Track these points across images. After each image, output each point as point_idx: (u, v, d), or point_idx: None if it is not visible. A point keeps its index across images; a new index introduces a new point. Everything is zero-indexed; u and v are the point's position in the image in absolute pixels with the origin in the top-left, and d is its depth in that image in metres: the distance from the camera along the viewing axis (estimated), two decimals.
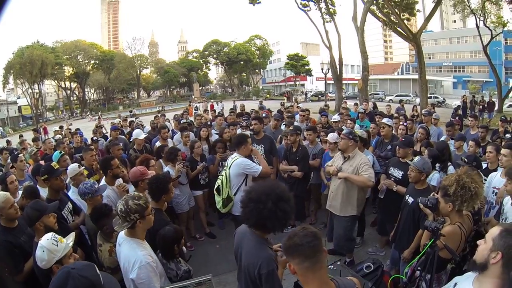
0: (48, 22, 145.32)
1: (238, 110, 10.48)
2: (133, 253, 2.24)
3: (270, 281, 1.98)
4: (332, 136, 4.89)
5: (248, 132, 5.41)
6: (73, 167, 3.93)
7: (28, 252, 2.61)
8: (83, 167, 4.14)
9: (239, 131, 6.28)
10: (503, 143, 4.92)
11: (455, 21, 55.75)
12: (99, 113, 35.23)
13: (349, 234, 4.12)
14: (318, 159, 5.22)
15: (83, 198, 3.24)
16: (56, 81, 50.88)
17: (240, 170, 3.70)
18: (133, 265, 2.18)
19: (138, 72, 58.51)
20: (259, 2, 24.66)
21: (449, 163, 4.14)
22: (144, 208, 2.30)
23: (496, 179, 3.55)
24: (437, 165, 4.09)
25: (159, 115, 10.64)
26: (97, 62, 54.41)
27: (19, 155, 5.07)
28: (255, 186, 2.17)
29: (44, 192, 3.62)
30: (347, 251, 4.22)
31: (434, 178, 3.92)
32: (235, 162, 3.72)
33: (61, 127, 13.86)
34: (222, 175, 3.80)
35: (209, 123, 7.41)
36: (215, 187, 3.85)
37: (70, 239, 2.24)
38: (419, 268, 2.48)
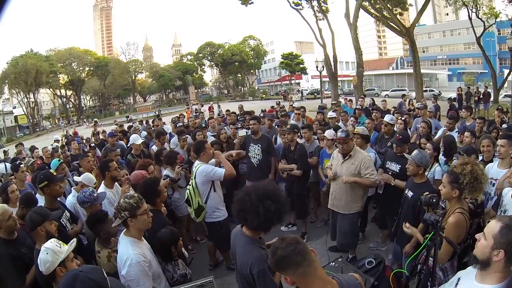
0: (41, 31, 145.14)
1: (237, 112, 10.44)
2: (125, 251, 2.31)
3: (262, 280, 1.96)
4: (329, 133, 4.87)
5: (244, 131, 5.42)
6: (89, 177, 3.81)
7: (29, 264, 2.59)
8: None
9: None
10: (500, 133, 4.91)
11: (447, 14, 55.99)
12: (95, 119, 35.01)
13: (354, 229, 4.16)
14: (315, 157, 5.20)
15: (82, 206, 3.25)
16: (51, 89, 50.56)
17: (204, 177, 3.73)
18: (125, 263, 2.25)
19: (133, 77, 58.32)
20: (252, 3, 24.61)
21: (454, 157, 4.12)
22: (135, 207, 2.34)
23: (493, 170, 3.51)
24: (443, 158, 4.09)
25: (157, 119, 10.61)
26: (91, 68, 54.14)
27: (21, 165, 5.01)
28: (251, 184, 2.18)
29: (43, 201, 3.58)
30: (351, 247, 4.23)
31: (437, 171, 3.93)
32: (198, 170, 3.74)
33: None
34: (190, 185, 3.83)
35: (203, 125, 7.44)
36: (185, 198, 3.90)
37: (73, 244, 2.25)
38: (420, 261, 2.48)
